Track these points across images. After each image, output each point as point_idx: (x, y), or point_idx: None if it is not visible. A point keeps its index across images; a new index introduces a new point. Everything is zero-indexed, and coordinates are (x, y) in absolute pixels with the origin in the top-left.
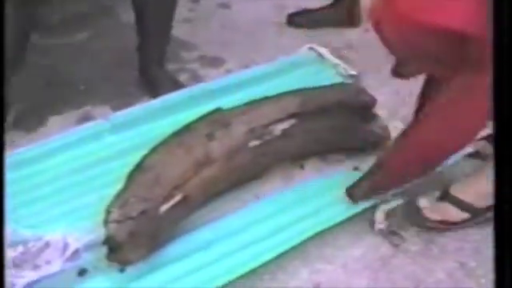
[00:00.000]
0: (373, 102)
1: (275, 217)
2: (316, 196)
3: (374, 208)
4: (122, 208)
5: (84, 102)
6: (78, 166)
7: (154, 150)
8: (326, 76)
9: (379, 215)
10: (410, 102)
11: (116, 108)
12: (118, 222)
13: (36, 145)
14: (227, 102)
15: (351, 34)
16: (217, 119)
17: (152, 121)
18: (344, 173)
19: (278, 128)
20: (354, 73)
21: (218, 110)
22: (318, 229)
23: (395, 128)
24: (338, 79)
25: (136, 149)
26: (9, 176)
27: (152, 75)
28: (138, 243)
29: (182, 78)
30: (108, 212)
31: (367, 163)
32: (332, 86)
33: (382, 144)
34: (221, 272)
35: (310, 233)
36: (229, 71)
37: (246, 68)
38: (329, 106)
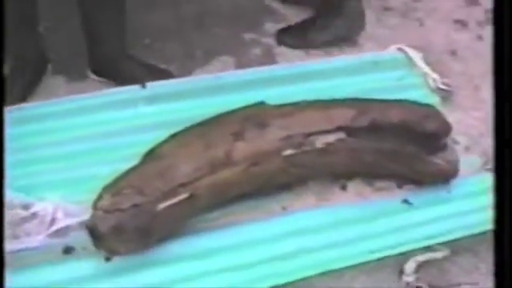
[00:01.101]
0: (445, 130)
1: (303, 235)
2: (354, 223)
3: (407, 255)
4: (115, 196)
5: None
6: (98, 132)
7: (171, 137)
8: (409, 85)
9: (410, 266)
10: None
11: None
12: (105, 210)
13: (60, 100)
14: (282, 93)
15: (460, 39)
16: (253, 116)
17: (194, 98)
18: (391, 203)
19: (322, 140)
20: (445, 87)
21: (260, 105)
22: (347, 262)
23: (470, 164)
24: (423, 92)
25: (169, 125)
26: (17, 129)
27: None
28: (124, 237)
29: (252, 51)
30: (99, 197)
31: (421, 198)
32: (400, 102)
33: (444, 180)
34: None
35: (337, 264)
36: (308, 55)
37: (328, 56)
38: (387, 126)
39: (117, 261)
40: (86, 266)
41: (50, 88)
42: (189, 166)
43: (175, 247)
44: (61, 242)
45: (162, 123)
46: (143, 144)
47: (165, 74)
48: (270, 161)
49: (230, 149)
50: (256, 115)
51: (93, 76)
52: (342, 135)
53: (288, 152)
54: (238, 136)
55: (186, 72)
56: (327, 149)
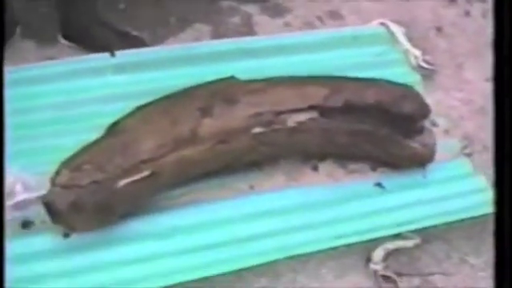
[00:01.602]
0: (422, 112)
1: (270, 217)
2: (324, 206)
3: (377, 242)
4: (73, 172)
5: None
6: (63, 101)
7: (136, 110)
8: (389, 61)
9: (378, 253)
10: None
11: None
12: (63, 186)
13: (24, 67)
14: (257, 66)
15: (447, 14)
16: (222, 91)
17: (165, 69)
18: (363, 186)
19: (293, 119)
20: (426, 65)
21: (230, 79)
22: (314, 247)
23: (448, 148)
24: (403, 69)
25: (138, 96)
26: None
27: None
28: (82, 214)
29: (230, 20)
30: (57, 172)
31: (394, 182)
32: (377, 81)
33: (420, 165)
34: (178, 269)
35: (304, 249)
36: (288, 25)
37: (308, 27)
38: (361, 107)
39: (76, 237)
40: (44, 241)
41: (19, 52)
42: (152, 141)
43: (136, 225)
44: (19, 215)
45: (131, 94)
46: (110, 115)
47: (137, 42)
48: (238, 138)
49: (196, 125)
50: (225, 90)
51: (64, 41)
52: (314, 114)
53: (257, 130)
54: (205, 112)
55: (158, 40)
56: (298, 128)
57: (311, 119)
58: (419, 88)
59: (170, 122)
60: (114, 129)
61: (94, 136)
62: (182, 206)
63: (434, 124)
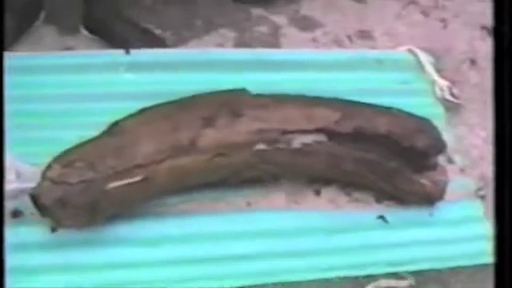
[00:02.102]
0: (436, 149)
1: (263, 237)
2: (321, 233)
3: (370, 278)
4: (64, 168)
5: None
6: (71, 93)
7: (137, 113)
8: (413, 90)
9: None
10: None
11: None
12: (52, 181)
13: (36, 54)
14: (274, 80)
15: (483, 47)
16: (229, 102)
17: (179, 72)
18: (365, 218)
19: (299, 140)
20: (452, 98)
21: (239, 91)
22: (304, 276)
23: (461, 187)
24: (427, 100)
25: (148, 97)
26: None
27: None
28: (68, 211)
29: (258, 29)
30: (48, 166)
31: (399, 217)
32: (392, 110)
33: (428, 202)
34: (160, 279)
35: (293, 277)
36: (315, 41)
37: (336, 45)
38: (372, 135)
39: (63, 233)
40: (31, 232)
41: (39, 38)
42: (149, 146)
43: (124, 229)
44: (10, 204)
45: (142, 94)
46: (116, 113)
47: (158, 41)
48: (239, 153)
49: (196, 135)
50: (233, 102)
51: (85, 32)
52: (322, 138)
53: (260, 147)
54: (208, 122)
55: (181, 41)
56: (304, 150)
57: (318, 142)
58: (442, 121)
59: (171, 128)
60: (113, 128)
61: (95, 133)
62: (173, 215)
63: (451, 161)
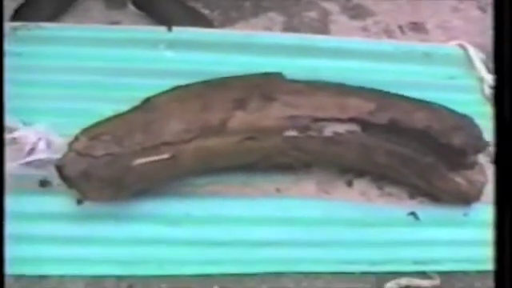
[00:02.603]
0: (475, 147)
1: (290, 225)
2: (350, 225)
3: (393, 274)
4: (91, 140)
5: None
6: (108, 67)
7: (170, 90)
8: (460, 86)
9: (389, 287)
10: None
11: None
12: (78, 153)
13: (77, 27)
14: (317, 67)
15: None
16: (262, 86)
17: (221, 53)
18: (396, 212)
19: (331, 128)
20: None
21: (275, 75)
22: (323, 268)
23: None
24: (474, 97)
25: (186, 76)
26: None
27: (160, 5)
28: (93, 184)
29: (307, 14)
30: (76, 137)
31: (431, 214)
32: (431, 105)
33: (463, 202)
34: (180, 259)
35: (314, 267)
36: (365, 30)
37: (386, 35)
38: (408, 129)
39: (88, 205)
40: (57, 203)
41: (86, 11)
42: (179, 124)
43: (150, 205)
44: (37, 173)
45: (180, 72)
46: (153, 89)
47: (203, 21)
48: (269, 138)
49: (227, 116)
50: (266, 86)
51: (131, 7)
52: (354, 127)
53: (290, 133)
54: (239, 104)
55: (228, 22)
56: (335, 139)
57: (350, 132)
58: (487, 120)
59: (202, 107)
60: (144, 105)
61: (130, 108)
62: (199, 195)
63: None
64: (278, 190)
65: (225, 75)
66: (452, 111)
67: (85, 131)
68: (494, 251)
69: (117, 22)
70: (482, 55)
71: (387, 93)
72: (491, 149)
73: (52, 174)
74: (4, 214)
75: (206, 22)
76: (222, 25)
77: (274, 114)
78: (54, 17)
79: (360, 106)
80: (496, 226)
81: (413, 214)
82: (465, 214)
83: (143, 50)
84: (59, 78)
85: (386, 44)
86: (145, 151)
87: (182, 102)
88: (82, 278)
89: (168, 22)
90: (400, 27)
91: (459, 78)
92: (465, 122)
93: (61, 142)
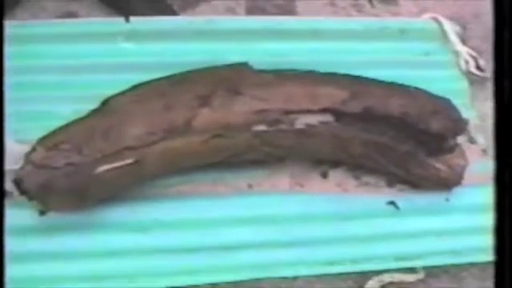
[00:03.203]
0: (455, 131)
1: (264, 224)
2: (327, 219)
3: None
4: (49, 151)
5: None
6: (65, 65)
7: (128, 90)
8: (436, 62)
9: (371, 286)
10: None
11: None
12: (35, 165)
13: (28, 22)
14: (285, 50)
15: None
16: (227, 79)
17: (183, 42)
18: (374, 203)
19: (303, 120)
20: (479, 73)
21: (241, 66)
22: (302, 271)
23: (482, 170)
24: (451, 72)
25: (149, 69)
26: None
27: None
28: (54, 196)
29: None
30: (33, 148)
31: (411, 202)
32: (407, 89)
33: (444, 187)
34: (148, 271)
35: (290, 271)
36: (333, 5)
37: (355, 10)
38: (383, 117)
39: (52, 216)
40: (19, 215)
41: (38, 2)
42: (141, 127)
43: (115, 213)
44: None
45: (142, 65)
46: (113, 86)
47: (164, 7)
48: (238, 135)
49: (192, 115)
50: (232, 79)
51: None
52: (328, 118)
53: (260, 128)
54: (204, 101)
55: (188, 5)
56: (308, 131)
57: (323, 123)
58: (465, 97)
59: (164, 107)
60: (103, 107)
61: (92, 106)
62: (169, 197)
63: (472, 141)
64: (250, 186)
65: (188, 65)
66: (429, 94)
67: (42, 141)
68: (494, 239)
69: (72, 13)
70: (456, 27)
71: (360, 78)
72: (470, 128)
73: (12, 185)
74: None
75: (166, 9)
76: (183, 9)
77: (241, 109)
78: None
79: (332, 95)
80: (495, 210)
81: (392, 203)
82: (447, 200)
83: (100, 43)
84: (11, 80)
85: (357, 22)
86: (107, 158)
87: (143, 103)
88: None
89: (127, 10)
90: (369, 0)
91: (434, 54)
92: (442, 105)
93: (18, 148)
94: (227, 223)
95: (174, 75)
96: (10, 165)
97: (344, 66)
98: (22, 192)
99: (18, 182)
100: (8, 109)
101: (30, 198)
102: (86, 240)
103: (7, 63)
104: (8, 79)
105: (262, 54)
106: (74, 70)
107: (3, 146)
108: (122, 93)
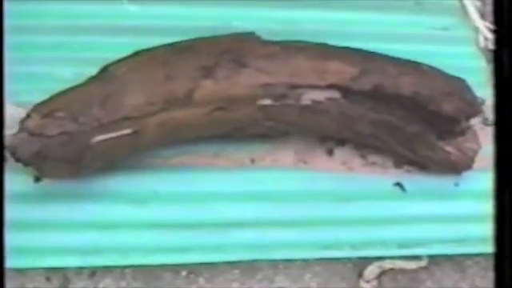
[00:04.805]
0: (468, 113)
1: (265, 200)
2: (331, 198)
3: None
4: (44, 118)
5: None
6: (68, 26)
7: (129, 57)
8: (453, 38)
9: (370, 271)
10: None
11: None
12: (30, 133)
13: None
14: (295, 18)
15: None
16: (232, 50)
17: (190, 6)
18: (380, 183)
19: (309, 96)
20: None
21: (247, 36)
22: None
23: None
24: (468, 49)
25: (153, 32)
26: None
27: None
28: (48, 164)
29: None
30: (27, 115)
31: (419, 184)
32: (419, 67)
33: (453, 171)
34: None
35: (287, 254)
36: None
37: None
38: (393, 96)
39: (47, 183)
40: (15, 181)
41: None
42: (141, 96)
43: (115, 183)
44: None
45: (145, 28)
46: (115, 48)
47: None
48: (241, 108)
49: (194, 86)
50: (237, 49)
51: None
52: (335, 95)
53: (265, 102)
54: (207, 72)
55: None
56: (314, 107)
57: (331, 99)
58: (482, 75)
59: (166, 76)
60: (101, 75)
61: (92, 70)
62: (168, 168)
63: (486, 122)
64: (252, 161)
65: (193, 30)
66: (443, 74)
67: (37, 107)
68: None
69: None
70: (476, 2)
71: (372, 54)
72: (486, 110)
73: (8, 149)
74: None
75: None
76: None
77: (245, 81)
78: None
79: (341, 71)
80: (495, 198)
81: (399, 184)
82: (456, 184)
83: (103, 4)
84: (12, 40)
85: None
86: (104, 127)
87: (143, 71)
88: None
89: None
90: None
91: (452, 29)
92: (456, 86)
93: (16, 111)
94: (226, 198)
95: (177, 43)
96: (8, 129)
97: (356, 38)
98: (16, 160)
99: (11, 150)
100: (6, 69)
101: (25, 165)
102: (81, 209)
103: (7, 22)
104: (7, 39)
105: (271, 21)
106: (76, 31)
107: (3, 110)
108: (122, 60)
